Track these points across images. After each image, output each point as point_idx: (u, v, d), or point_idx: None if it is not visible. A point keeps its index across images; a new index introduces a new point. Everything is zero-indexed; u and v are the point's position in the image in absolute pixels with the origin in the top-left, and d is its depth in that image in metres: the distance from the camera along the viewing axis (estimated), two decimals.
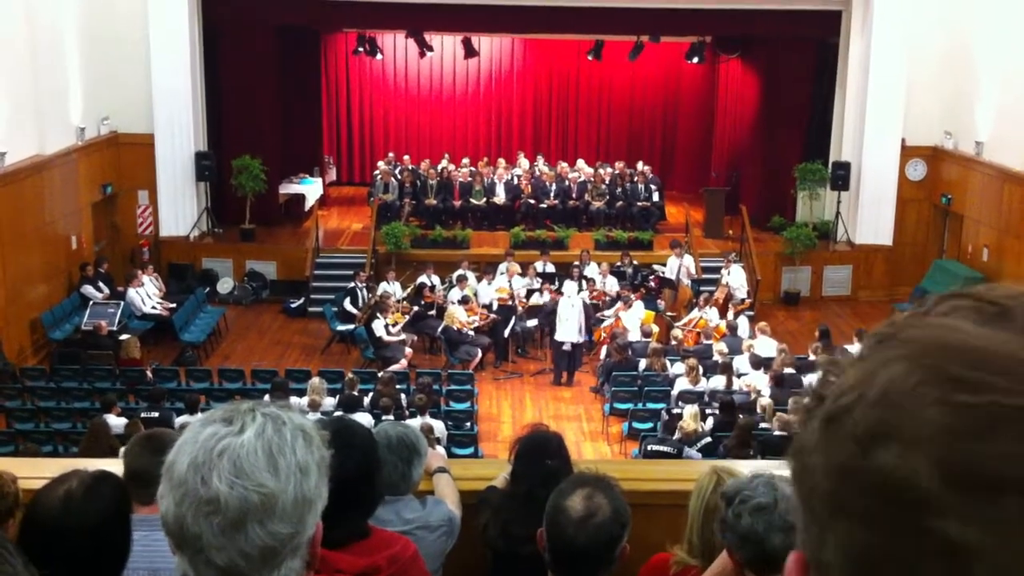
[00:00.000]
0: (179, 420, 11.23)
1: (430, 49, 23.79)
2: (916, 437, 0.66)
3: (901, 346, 0.71)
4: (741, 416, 11.41)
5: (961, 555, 0.64)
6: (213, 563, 1.34)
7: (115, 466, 2.85)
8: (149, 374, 13.97)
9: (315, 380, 12.53)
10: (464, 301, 16.57)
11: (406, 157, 23.38)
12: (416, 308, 16.89)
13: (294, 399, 11.78)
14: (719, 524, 2.67)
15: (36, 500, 2.33)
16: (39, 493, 2.34)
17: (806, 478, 0.74)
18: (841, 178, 20.05)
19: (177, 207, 19.68)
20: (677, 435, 11.22)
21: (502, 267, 18.15)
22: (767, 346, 14.66)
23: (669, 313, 17.20)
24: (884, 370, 0.70)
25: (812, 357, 14.19)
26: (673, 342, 15.51)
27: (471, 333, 16.08)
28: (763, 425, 11.58)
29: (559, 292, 16.61)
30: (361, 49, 23.93)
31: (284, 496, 1.34)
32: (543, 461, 3.62)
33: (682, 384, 13.34)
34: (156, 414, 11.48)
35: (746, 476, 2.79)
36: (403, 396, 12.58)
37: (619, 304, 16.57)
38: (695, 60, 23.51)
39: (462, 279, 17.29)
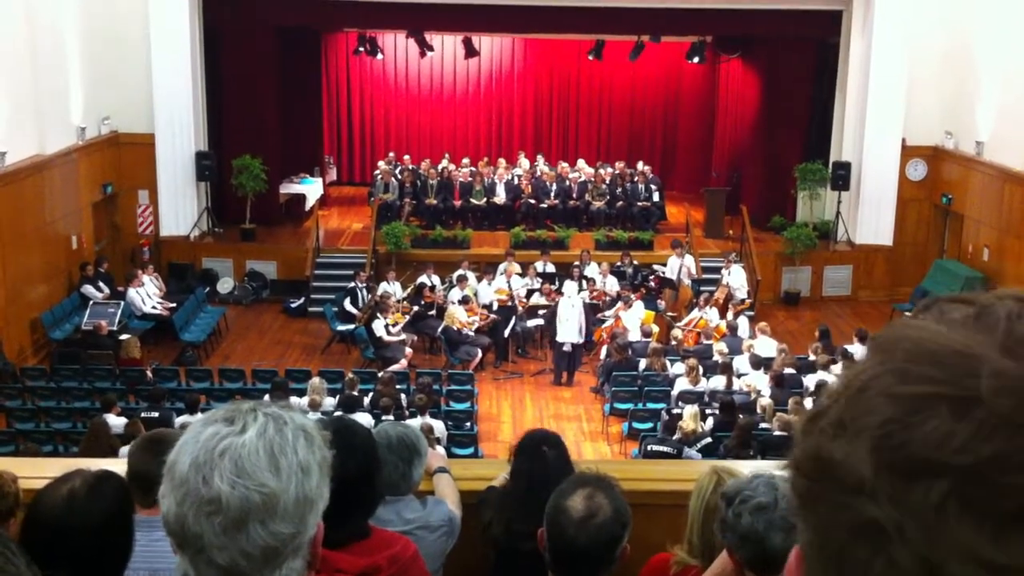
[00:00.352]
0: (179, 420, 11.23)
1: (430, 49, 23.79)
2: (861, 426, 0.72)
3: (877, 346, 0.77)
4: (741, 416, 11.41)
5: (883, 536, 0.68)
6: (214, 563, 1.34)
7: (115, 466, 2.85)
8: (149, 374, 13.97)
9: (315, 380, 12.53)
10: (464, 301, 16.57)
11: (406, 157, 23.38)
12: (416, 308, 16.90)
13: (294, 399, 11.78)
14: (719, 524, 2.67)
15: (39, 499, 2.33)
16: (42, 492, 2.35)
17: (790, 473, 0.79)
18: (841, 178, 20.05)
19: (177, 207, 19.68)
20: (677, 435, 11.22)
21: (502, 267, 18.16)
22: (767, 346, 14.66)
23: (669, 313, 17.20)
24: (855, 369, 0.76)
25: (812, 357, 14.19)
26: (673, 342, 15.51)
27: (471, 333, 16.08)
28: (763, 425, 11.58)
29: (559, 292, 16.61)
30: (362, 49, 23.93)
31: (285, 496, 1.34)
32: (540, 449, 3.65)
33: (682, 384, 13.34)
34: (156, 414, 11.48)
35: (746, 476, 2.79)
36: (403, 396, 12.59)
37: (619, 304, 16.57)
38: (696, 60, 23.51)
39: (462, 279, 17.29)
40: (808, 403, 12.26)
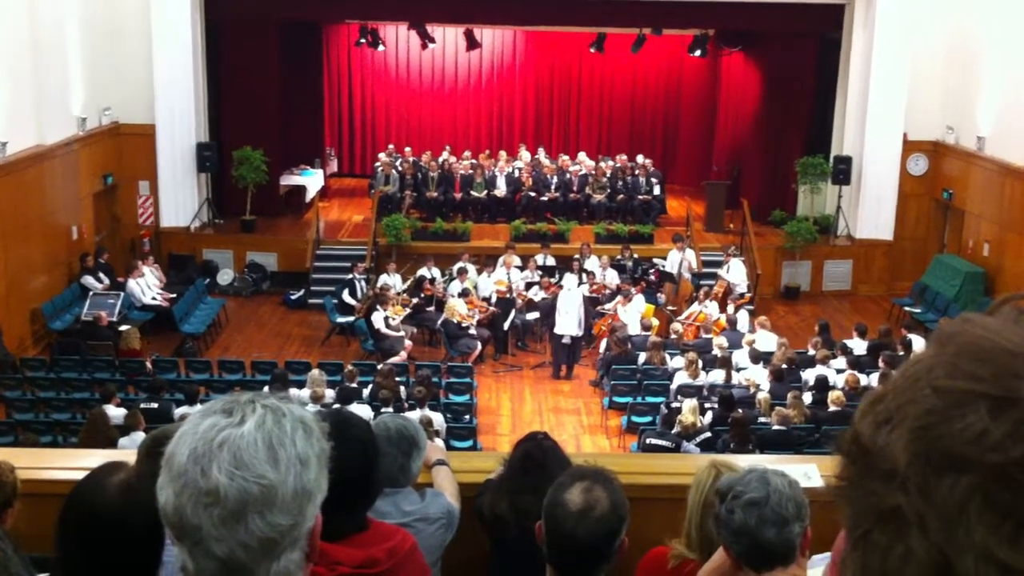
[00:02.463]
0: (179, 411, 11.26)
1: (432, 41, 23.75)
2: (904, 416, 0.73)
3: (937, 338, 0.78)
4: (739, 411, 11.41)
5: (905, 525, 0.70)
6: (212, 554, 1.34)
7: (116, 457, 2.85)
8: (149, 365, 13.98)
9: (315, 372, 12.52)
10: (464, 294, 16.57)
11: (407, 149, 23.36)
12: (416, 301, 16.90)
13: (294, 391, 11.79)
14: (713, 520, 2.67)
15: (89, 491, 2.32)
16: (89, 485, 2.33)
17: (835, 453, 0.81)
18: (842, 172, 20.05)
19: (178, 198, 19.67)
20: (676, 429, 11.23)
21: (501, 260, 18.14)
22: (767, 340, 14.66)
23: (670, 307, 17.20)
24: (914, 358, 0.78)
25: (811, 352, 14.20)
26: (673, 336, 15.51)
27: (471, 326, 16.08)
28: (762, 419, 11.59)
29: (558, 285, 16.61)
30: (363, 40, 23.90)
31: (284, 488, 1.34)
32: (535, 435, 3.74)
33: (681, 378, 13.34)
34: (155, 405, 11.49)
35: (740, 471, 2.79)
36: (402, 388, 12.59)
37: (619, 298, 16.57)
38: (697, 53, 23.44)
39: (462, 272, 17.29)
40: (807, 397, 12.28)
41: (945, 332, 0.77)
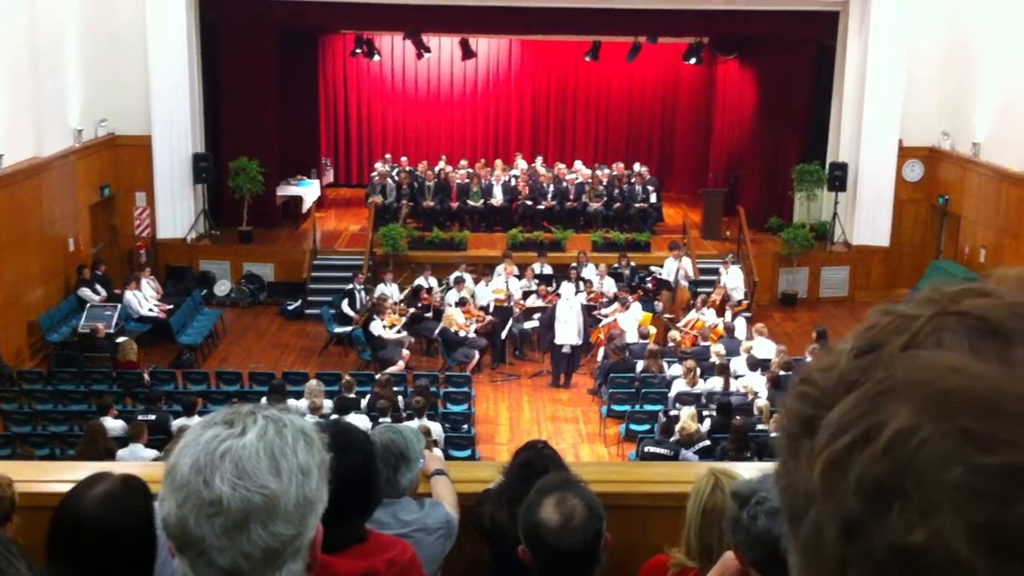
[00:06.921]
0: (177, 423, 11.23)
1: (428, 50, 23.78)
2: (936, 501, 0.62)
3: (899, 386, 0.66)
4: (738, 418, 11.41)
5: None
6: (215, 564, 1.35)
7: (114, 469, 2.85)
8: (146, 376, 13.94)
9: (312, 382, 12.48)
10: (462, 303, 16.57)
11: (404, 159, 23.37)
12: (413, 310, 16.89)
13: (292, 401, 11.77)
14: (730, 524, 2.63)
15: (72, 503, 2.33)
16: (73, 495, 2.35)
17: (803, 525, 0.69)
18: (838, 179, 20.07)
19: (175, 209, 19.67)
20: (674, 437, 11.23)
21: (499, 268, 18.14)
22: (765, 347, 14.66)
23: (667, 315, 17.21)
24: (884, 414, 0.65)
25: (809, 359, 14.18)
26: (671, 343, 15.51)
27: (469, 335, 16.07)
28: (760, 427, 11.59)
29: (555, 294, 16.62)
30: (359, 50, 23.92)
31: (286, 497, 1.35)
32: (536, 445, 3.75)
33: (679, 386, 13.33)
34: (153, 417, 11.47)
35: (758, 476, 2.76)
36: (400, 398, 12.58)
37: (616, 305, 16.57)
38: (693, 61, 23.51)
39: (459, 281, 17.29)
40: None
41: (918, 381, 0.65)
